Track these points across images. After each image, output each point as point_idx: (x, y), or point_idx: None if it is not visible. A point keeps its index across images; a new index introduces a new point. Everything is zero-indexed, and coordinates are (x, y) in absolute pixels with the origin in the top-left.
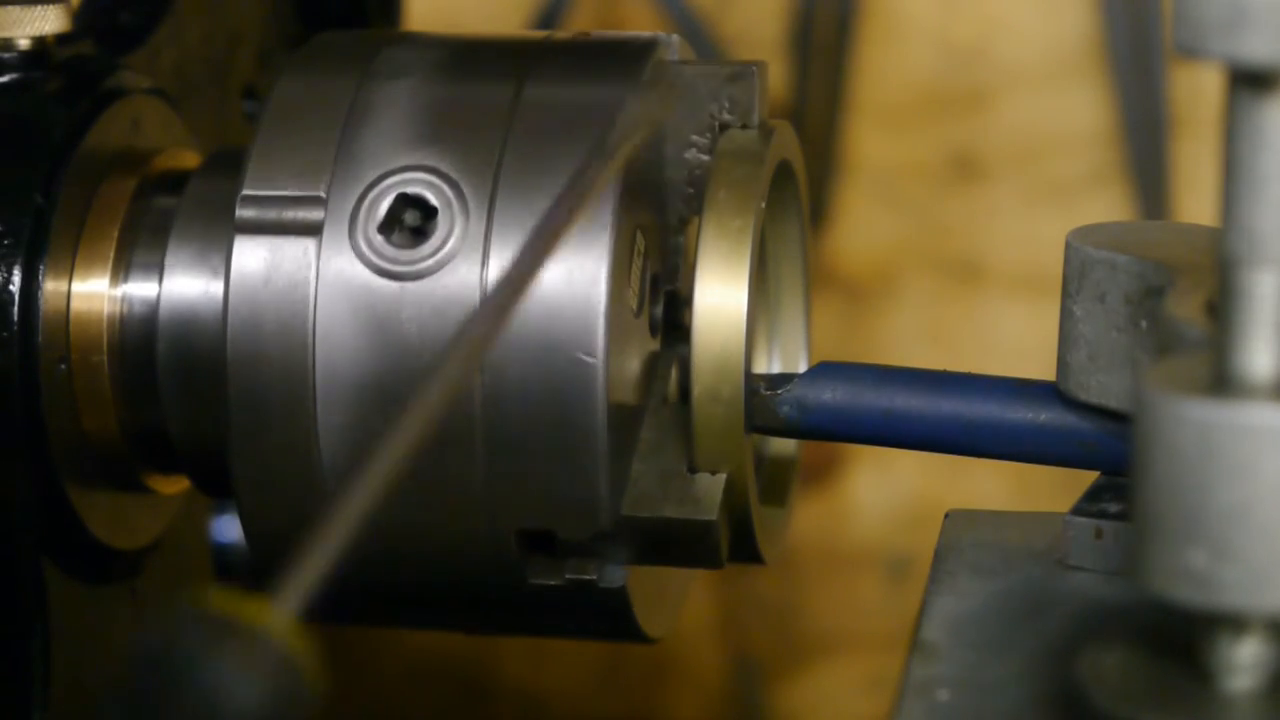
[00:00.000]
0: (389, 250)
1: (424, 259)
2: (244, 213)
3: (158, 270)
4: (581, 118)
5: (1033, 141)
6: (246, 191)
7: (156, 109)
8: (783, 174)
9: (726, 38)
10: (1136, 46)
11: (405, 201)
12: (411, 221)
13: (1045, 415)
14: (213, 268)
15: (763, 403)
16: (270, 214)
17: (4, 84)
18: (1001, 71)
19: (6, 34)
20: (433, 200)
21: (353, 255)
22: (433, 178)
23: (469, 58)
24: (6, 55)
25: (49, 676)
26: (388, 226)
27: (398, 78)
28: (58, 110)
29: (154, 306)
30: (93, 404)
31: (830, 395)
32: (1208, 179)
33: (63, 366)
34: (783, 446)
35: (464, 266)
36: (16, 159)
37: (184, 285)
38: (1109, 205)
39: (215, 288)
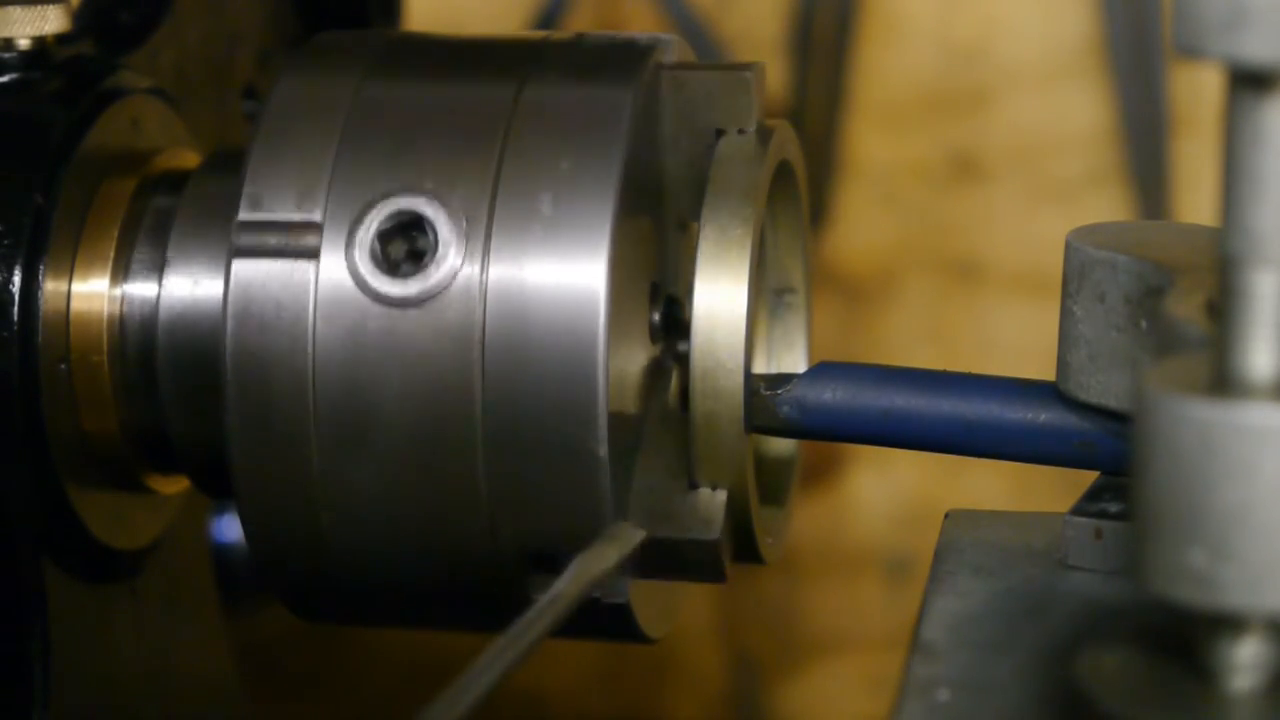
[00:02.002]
0: (385, 277)
1: (422, 285)
2: (241, 239)
3: (158, 270)
4: (579, 126)
5: (1033, 141)
6: (242, 217)
7: (156, 109)
8: (783, 174)
9: (726, 38)
10: (1136, 46)
11: (401, 225)
12: (408, 246)
13: (1045, 415)
14: (213, 268)
15: (763, 403)
16: (268, 240)
17: (4, 84)
18: (1001, 71)
19: (6, 34)
20: (429, 223)
21: (351, 283)
22: (428, 200)
23: (468, 61)
24: (6, 55)
25: (49, 676)
26: (384, 252)
27: (395, 83)
28: (58, 110)
29: (154, 306)
30: (93, 404)
31: (830, 395)
32: (1208, 179)
33: (63, 366)
34: (783, 446)
35: (461, 296)
36: (16, 159)
37: (184, 285)
38: (1109, 205)
39: (215, 288)
